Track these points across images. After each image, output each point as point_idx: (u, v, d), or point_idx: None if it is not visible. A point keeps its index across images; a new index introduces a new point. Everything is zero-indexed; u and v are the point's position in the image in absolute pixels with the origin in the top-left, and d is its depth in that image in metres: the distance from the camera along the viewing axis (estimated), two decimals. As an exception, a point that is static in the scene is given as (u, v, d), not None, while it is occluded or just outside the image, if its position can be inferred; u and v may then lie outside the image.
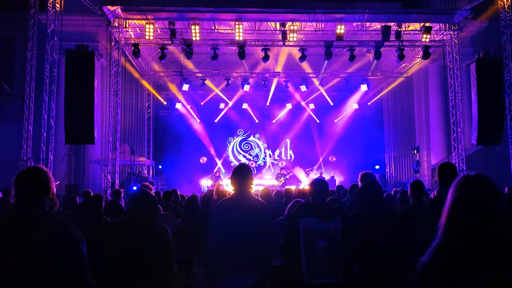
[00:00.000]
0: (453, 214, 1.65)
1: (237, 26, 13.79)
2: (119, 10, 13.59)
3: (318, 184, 3.75)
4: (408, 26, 14.85)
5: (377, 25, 14.68)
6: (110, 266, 2.91)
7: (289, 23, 14.12)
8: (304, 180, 18.20)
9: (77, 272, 2.09)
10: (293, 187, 11.67)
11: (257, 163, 21.82)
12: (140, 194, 3.30)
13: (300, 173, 19.02)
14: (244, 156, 21.74)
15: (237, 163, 21.19)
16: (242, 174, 3.46)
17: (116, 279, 2.88)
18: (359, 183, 4.50)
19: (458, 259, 1.57)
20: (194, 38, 13.97)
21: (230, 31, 14.68)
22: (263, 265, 3.31)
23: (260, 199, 3.95)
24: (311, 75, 18.57)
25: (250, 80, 18.10)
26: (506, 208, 1.67)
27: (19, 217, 2.11)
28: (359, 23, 14.71)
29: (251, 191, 3.56)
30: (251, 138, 21.98)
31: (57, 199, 2.30)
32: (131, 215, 3.25)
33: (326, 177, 18.06)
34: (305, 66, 17.58)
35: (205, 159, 20.46)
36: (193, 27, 13.74)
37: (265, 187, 6.61)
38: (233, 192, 3.56)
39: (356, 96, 19.98)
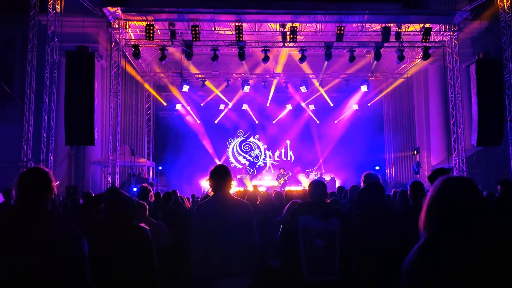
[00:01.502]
0: (431, 214, 1.68)
1: (237, 30, 13.80)
2: (119, 12, 13.61)
3: (317, 185, 3.76)
4: (408, 27, 14.86)
5: (377, 26, 14.70)
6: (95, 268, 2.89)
7: (289, 24, 14.14)
8: (304, 181, 18.20)
9: (78, 273, 2.10)
10: (293, 189, 11.67)
11: (257, 164, 21.83)
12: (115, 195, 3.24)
13: (300, 174, 19.02)
14: (244, 157, 21.76)
15: (237, 164, 21.30)
16: (220, 174, 3.39)
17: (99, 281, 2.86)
18: (362, 183, 4.50)
19: (443, 258, 1.59)
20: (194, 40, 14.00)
21: (230, 32, 14.69)
22: (253, 266, 3.26)
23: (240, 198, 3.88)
24: (311, 76, 18.58)
25: (250, 81, 18.11)
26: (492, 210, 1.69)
27: (21, 216, 2.13)
28: (359, 24, 14.74)
29: (230, 191, 3.48)
30: (251, 139, 21.99)
31: (57, 199, 2.32)
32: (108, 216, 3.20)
33: (326, 178, 18.05)
34: (305, 67, 17.60)
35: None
36: (193, 28, 13.76)
37: (251, 191, 6.60)
38: (211, 193, 3.47)
39: (356, 97, 19.98)
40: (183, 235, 5.09)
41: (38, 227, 2.09)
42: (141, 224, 3.27)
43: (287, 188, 14.15)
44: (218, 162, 20.58)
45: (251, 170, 21.17)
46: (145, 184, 5.82)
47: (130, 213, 3.16)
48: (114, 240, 2.94)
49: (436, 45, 15.28)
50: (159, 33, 14.76)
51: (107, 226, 3.08)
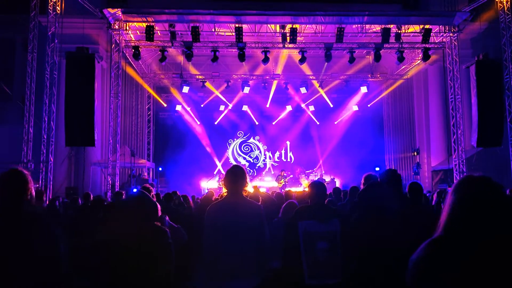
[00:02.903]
0: (453, 212, 1.68)
1: (237, 31, 13.81)
2: (120, 13, 13.64)
3: (316, 186, 3.75)
4: (408, 28, 14.88)
5: (377, 27, 14.72)
6: (105, 269, 2.87)
7: (289, 25, 14.15)
8: (304, 182, 18.20)
9: (53, 270, 2.13)
10: (293, 190, 11.67)
11: (257, 165, 21.83)
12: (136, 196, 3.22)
13: (300, 175, 19.02)
14: (244, 158, 21.76)
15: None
16: (235, 175, 3.37)
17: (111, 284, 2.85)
18: (362, 186, 4.50)
19: (459, 252, 1.59)
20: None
21: (230, 33, 14.71)
22: (262, 268, 3.27)
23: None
24: (311, 77, 18.60)
25: (250, 82, 18.12)
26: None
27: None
28: (359, 25, 14.75)
29: (245, 193, 3.43)
30: (251, 140, 21.99)
31: (33, 200, 2.38)
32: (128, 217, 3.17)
33: (327, 179, 18.06)
34: (305, 68, 17.61)
35: None
36: (193, 29, 13.78)
37: (252, 192, 6.59)
38: (225, 194, 3.45)
39: (356, 98, 19.99)
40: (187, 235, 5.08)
41: (12, 226, 2.13)
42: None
43: (286, 189, 14.16)
44: (218, 163, 20.63)
45: (251, 171, 21.17)
46: (147, 185, 5.83)
47: (152, 214, 3.14)
48: (134, 241, 2.93)
49: (436, 46, 15.30)
50: (159, 34, 14.78)
51: (127, 228, 3.05)
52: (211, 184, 17.94)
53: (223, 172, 19.21)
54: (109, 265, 2.85)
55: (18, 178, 2.28)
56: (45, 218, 2.33)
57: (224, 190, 3.45)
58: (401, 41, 14.62)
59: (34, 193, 2.34)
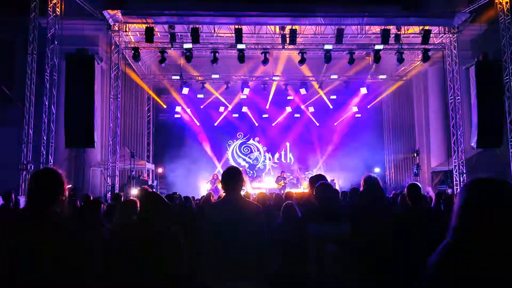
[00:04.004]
0: (464, 214, 1.65)
1: (236, 32, 13.81)
2: (119, 14, 13.65)
3: (324, 188, 3.71)
4: (408, 29, 14.88)
5: (377, 29, 14.72)
6: (113, 273, 2.86)
7: (288, 27, 14.16)
8: (304, 184, 18.18)
9: (79, 277, 2.05)
10: (293, 191, 11.65)
11: (257, 166, 21.82)
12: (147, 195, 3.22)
13: (300, 176, 19.00)
14: (244, 159, 21.76)
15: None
16: (232, 176, 3.39)
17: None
18: (362, 187, 4.49)
19: (471, 257, 1.56)
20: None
21: (229, 35, 14.72)
22: (262, 268, 3.26)
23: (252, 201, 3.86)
24: (310, 78, 18.59)
25: (250, 84, 18.12)
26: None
27: (31, 217, 2.07)
28: (358, 26, 14.76)
29: (242, 193, 3.46)
30: (251, 141, 21.99)
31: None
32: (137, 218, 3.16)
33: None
34: (305, 69, 17.61)
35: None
36: (192, 31, 13.78)
37: (260, 192, 6.57)
38: (223, 195, 3.47)
39: (356, 99, 19.99)
40: (187, 236, 5.07)
41: (45, 228, 2.03)
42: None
43: (286, 190, 14.14)
44: (217, 164, 20.60)
45: (251, 172, 21.16)
46: (146, 186, 5.82)
47: (168, 215, 3.15)
48: (150, 241, 2.93)
49: (435, 47, 15.30)
50: (159, 35, 14.78)
51: (141, 228, 3.05)
52: (209, 186, 17.91)
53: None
54: (121, 264, 2.86)
55: (55, 178, 2.17)
56: (75, 223, 2.23)
57: (222, 191, 3.47)
58: (400, 42, 14.62)
59: (67, 195, 2.23)
